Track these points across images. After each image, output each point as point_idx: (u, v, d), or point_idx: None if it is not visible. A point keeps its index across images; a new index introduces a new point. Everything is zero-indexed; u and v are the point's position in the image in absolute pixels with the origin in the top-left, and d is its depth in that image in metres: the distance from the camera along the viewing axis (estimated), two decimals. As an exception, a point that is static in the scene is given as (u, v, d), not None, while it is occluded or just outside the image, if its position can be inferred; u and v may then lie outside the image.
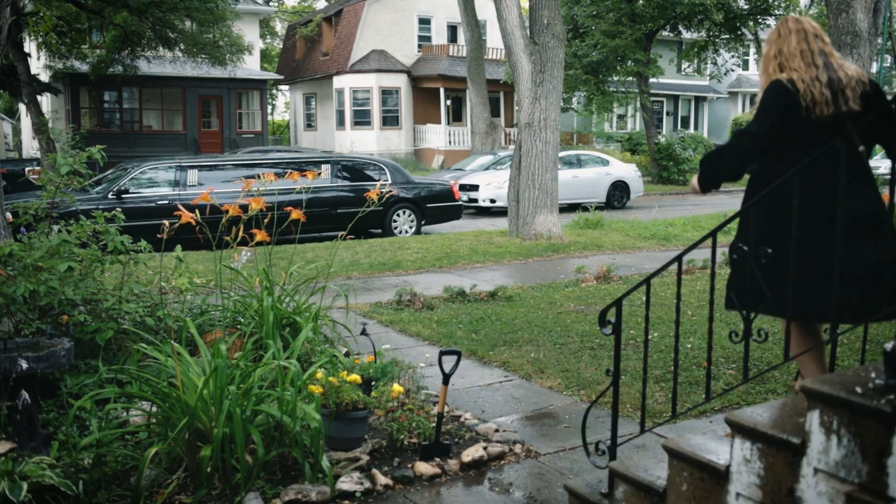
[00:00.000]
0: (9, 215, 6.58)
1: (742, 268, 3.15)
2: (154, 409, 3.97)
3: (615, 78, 27.25)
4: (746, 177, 3.51)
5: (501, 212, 18.72)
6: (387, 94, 31.77)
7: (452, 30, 33.27)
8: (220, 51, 22.06)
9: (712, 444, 2.78)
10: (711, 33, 27.36)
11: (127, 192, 12.17)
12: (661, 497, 2.86)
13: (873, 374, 2.26)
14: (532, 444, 4.47)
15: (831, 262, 2.82)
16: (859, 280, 3.01)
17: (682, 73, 38.95)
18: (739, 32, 27.42)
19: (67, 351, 3.97)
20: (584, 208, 16.70)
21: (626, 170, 20.84)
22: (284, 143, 39.59)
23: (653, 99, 31.26)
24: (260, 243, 5.26)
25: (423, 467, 4.05)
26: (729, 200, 20.77)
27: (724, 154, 3.35)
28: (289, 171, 11.50)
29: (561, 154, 20.13)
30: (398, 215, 14.26)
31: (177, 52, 22.01)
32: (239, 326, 5.14)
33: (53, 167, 5.48)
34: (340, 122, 32.38)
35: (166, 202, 12.04)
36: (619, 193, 20.31)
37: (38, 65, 26.27)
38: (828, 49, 3.31)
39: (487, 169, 19.50)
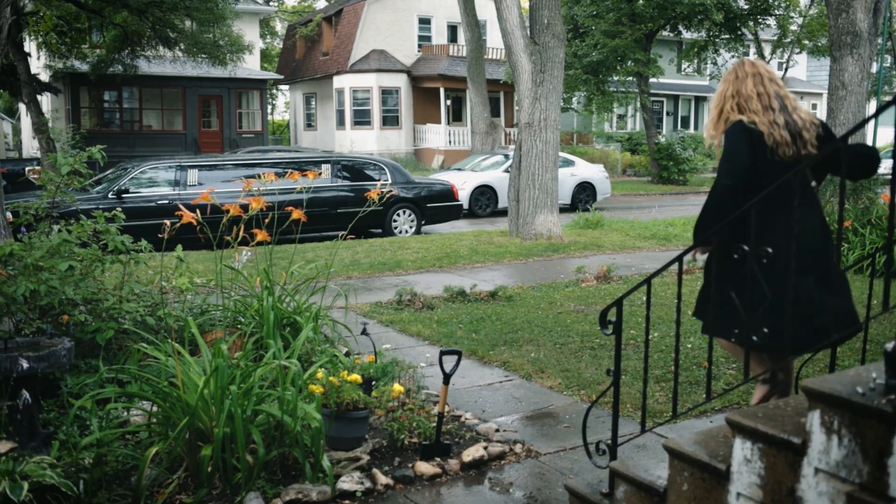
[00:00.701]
0: (9, 215, 6.59)
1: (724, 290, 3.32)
2: (154, 408, 3.97)
3: (615, 78, 27.25)
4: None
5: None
6: (387, 93, 31.77)
7: (452, 30, 33.27)
8: (220, 50, 22.05)
9: (713, 443, 2.78)
10: (711, 33, 27.37)
11: (127, 191, 12.17)
12: (662, 497, 2.86)
13: (874, 374, 2.26)
14: (532, 444, 4.47)
15: (802, 294, 3.15)
16: (828, 307, 3.21)
17: (682, 73, 38.95)
18: (739, 32, 27.42)
19: (68, 350, 3.97)
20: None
21: (593, 171, 20.05)
22: (284, 142, 39.59)
23: (653, 99, 31.28)
24: (260, 243, 5.27)
25: (424, 467, 4.05)
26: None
27: (709, 214, 3.44)
28: (289, 170, 11.49)
29: None
30: (398, 215, 14.26)
31: (177, 51, 22.00)
32: (239, 326, 5.14)
33: (54, 167, 5.48)
34: (340, 122, 32.38)
35: (166, 202, 12.04)
36: (584, 195, 19.50)
37: (38, 64, 26.27)
38: (783, 92, 3.48)
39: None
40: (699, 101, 40.79)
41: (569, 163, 19.74)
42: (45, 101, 28.07)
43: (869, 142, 25.96)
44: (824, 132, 3.47)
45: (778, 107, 3.43)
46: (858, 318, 3.38)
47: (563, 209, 18.20)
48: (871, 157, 3.42)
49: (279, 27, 49.33)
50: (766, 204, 2.98)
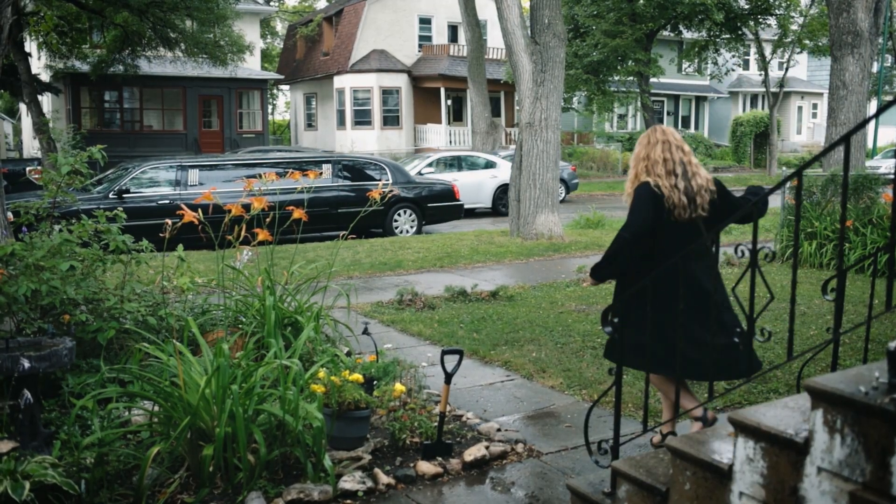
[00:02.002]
0: (10, 215, 6.59)
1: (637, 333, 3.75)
2: (156, 408, 3.97)
3: (616, 78, 27.21)
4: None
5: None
6: (387, 93, 31.76)
7: (453, 29, 33.26)
8: (221, 50, 22.04)
9: (715, 443, 2.77)
10: (712, 33, 27.33)
11: (128, 191, 12.18)
12: (664, 496, 2.86)
13: (877, 374, 2.25)
14: (534, 444, 4.47)
15: (692, 336, 3.62)
16: (717, 348, 3.56)
17: (683, 72, 38.93)
18: (740, 32, 27.38)
19: (69, 350, 3.97)
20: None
21: None
22: (285, 142, 39.59)
23: (653, 99, 31.24)
24: (262, 243, 5.27)
25: (426, 467, 4.05)
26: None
27: (611, 259, 3.97)
28: (290, 170, 11.49)
29: (439, 156, 19.25)
30: (399, 215, 14.26)
31: (177, 51, 21.99)
32: (241, 326, 5.14)
33: (54, 167, 5.48)
34: (341, 122, 32.37)
35: (167, 202, 12.04)
36: (507, 198, 18.56)
37: (39, 64, 26.27)
38: (686, 158, 3.95)
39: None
40: (700, 100, 40.77)
41: (490, 164, 19.03)
42: (46, 101, 28.07)
43: (869, 141, 25.94)
44: (718, 192, 3.96)
45: (680, 172, 3.88)
46: (739, 360, 3.76)
47: (484, 213, 17.77)
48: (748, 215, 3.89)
49: (279, 27, 49.33)
50: (666, 258, 3.53)
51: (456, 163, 18.94)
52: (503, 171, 18.66)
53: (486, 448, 4.24)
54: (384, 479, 3.89)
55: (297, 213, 5.27)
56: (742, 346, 3.62)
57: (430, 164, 18.41)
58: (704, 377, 3.89)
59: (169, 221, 5.14)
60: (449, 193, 14.90)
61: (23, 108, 30.07)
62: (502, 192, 18.42)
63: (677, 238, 3.82)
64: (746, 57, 39.28)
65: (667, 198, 3.83)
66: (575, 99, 29.38)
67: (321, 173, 13.05)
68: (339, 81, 32.09)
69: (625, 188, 4.13)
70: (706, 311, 3.68)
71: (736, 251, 3.10)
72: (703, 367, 3.68)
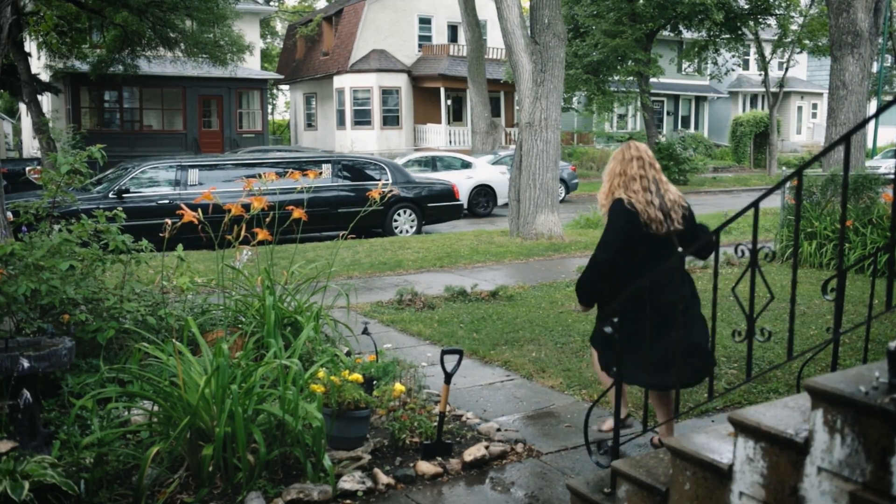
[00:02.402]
0: (10, 214, 6.58)
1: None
2: (155, 408, 3.96)
3: (616, 78, 27.21)
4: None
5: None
6: (387, 93, 31.76)
7: (453, 29, 33.27)
8: (221, 50, 22.04)
9: (715, 443, 2.77)
10: (712, 33, 27.33)
11: (127, 191, 12.18)
12: (664, 496, 2.85)
13: (877, 374, 2.25)
14: (534, 444, 4.46)
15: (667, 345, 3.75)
16: (691, 354, 3.77)
17: (683, 72, 38.93)
18: (740, 32, 27.38)
19: (69, 350, 3.97)
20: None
21: (492, 173, 18.85)
22: (285, 142, 39.58)
23: (653, 99, 31.23)
24: (261, 242, 5.26)
25: (425, 466, 4.05)
26: (730, 200, 20.78)
27: (587, 280, 4.12)
28: (289, 170, 11.49)
29: (415, 156, 19.30)
30: (399, 215, 14.25)
31: (177, 51, 21.99)
32: (240, 326, 5.14)
33: (54, 167, 5.48)
34: (341, 122, 32.37)
35: (167, 202, 12.04)
36: (483, 199, 18.63)
37: (39, 64, 26.26)
38: (658, 176, 4.11)
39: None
40: (699, 100, 40.77)
41: (466, 164, 19.00)
42: (46, 101, 28.07)
43: (869, 141, 25.92)
44: (688, 211, 4.15)
45: (654, 190, 4.02)
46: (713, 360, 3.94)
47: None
48: (702, 249, 4.08)
49: (279, 27, 49.32)
50: (646, 270, 3.69)
51: (431, 163, 18.97)
52: (479, 172, 18.76)
53: (486, 448, 4.24)
54: (384, 479, 3.89)
55: (297, 213, 5.27)
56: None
57: (404, 165, 18.33)
58: (687, 383, 4.10)
59: (168, 221, 5.14)
60: (449, 193, 14.90)
61: (22, 107, 30.07)
62: (477, 193, 18.63)
63: (654, 251, 3.95)
64: (746, 57, 39.28)
65: (641, 213, 3.95)
66: (575, 99, 29.38)
67: (321, 173, 13.05)
68: (339, 81, 32.09)
69: (598, 199, 4.22)
70: (696, 319, 3.94)
71: (736, 251, 3.10)
72: (696, 370, 3.90)
